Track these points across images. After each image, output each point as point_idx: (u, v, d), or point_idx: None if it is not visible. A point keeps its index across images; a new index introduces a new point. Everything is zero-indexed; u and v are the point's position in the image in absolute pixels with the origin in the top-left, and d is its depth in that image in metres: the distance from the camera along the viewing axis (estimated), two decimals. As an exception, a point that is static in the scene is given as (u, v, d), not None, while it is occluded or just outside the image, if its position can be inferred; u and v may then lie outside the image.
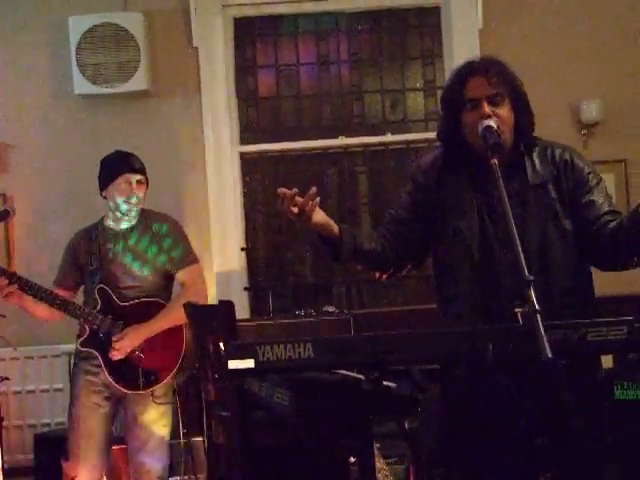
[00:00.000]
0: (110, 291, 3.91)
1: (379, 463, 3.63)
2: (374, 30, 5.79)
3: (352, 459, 3.02)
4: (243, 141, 5.71)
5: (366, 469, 2.69)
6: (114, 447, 4.19)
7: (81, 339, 3.90)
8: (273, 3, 5.67)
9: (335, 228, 2.59)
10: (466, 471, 2.63)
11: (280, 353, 2.15)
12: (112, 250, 3.96)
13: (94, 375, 3.89)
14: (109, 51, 5.30)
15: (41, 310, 3.95)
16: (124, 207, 3.91)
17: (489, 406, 2.52)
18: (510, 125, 2.64)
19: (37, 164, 5.48)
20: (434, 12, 5.72)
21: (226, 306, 3.36)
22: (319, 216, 2.52)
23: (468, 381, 2.50)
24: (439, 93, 5.23)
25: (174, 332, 3.91)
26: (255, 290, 5.66)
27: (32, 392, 5.32)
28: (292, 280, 5.72)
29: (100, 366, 3.86)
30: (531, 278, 2.17)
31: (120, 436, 4.20)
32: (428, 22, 5.75)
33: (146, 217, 4.01)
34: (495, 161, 2.45)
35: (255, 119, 5.76)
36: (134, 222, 3.98)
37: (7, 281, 3.79)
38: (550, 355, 2.02)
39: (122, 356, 3.83)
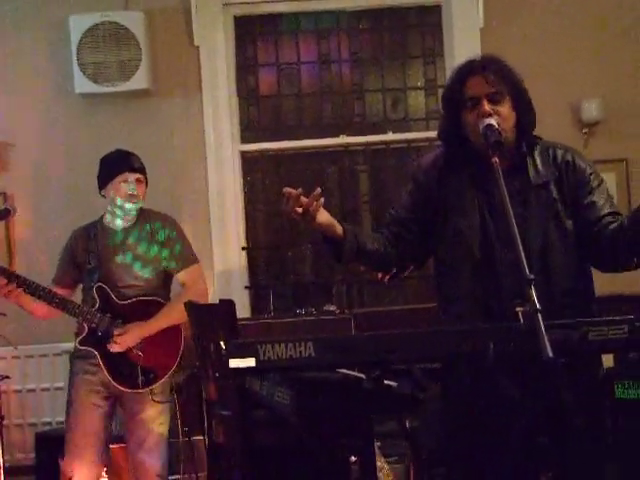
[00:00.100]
0: (109, 290, 3.91)
1: (380, 462, 3.63)
2: (375, 29, 5.78)
3: (353, 458, 3.02)
4: (244, 140, 5.70)
5: (367, 468, 2.70)
6: (115, 445, 4.20)
7: (79, 338, 3.90)
8: (274, 2, 5.66)
9: (339, 228, 2.59)
10: (467, 470, 2.63)
11: (281, 352, 2.15)
12: (111, 249, 3.96)
13: (92, 374, 3.89)
14: (110, 50, 5.29)
15: (39, 308, 3.96)
16: (123, 206, 3.91)
17: (490, 405, 2.52)
18: (511, 123, 2.64)
19: (38, 163, 5.48)
20: (435, 11, 5.71)
21: (227, 305, 3.37)
22: (323, 216, 2.52)
23: (469, 380, 2.50)
24: (440, 92, 5.22)
25: (173, 331, 3.92)
26: (256, 289, 5.66)
27: (33, 391, 5.32)
28: (293, 279, 5.72)
29: (98, 365, 3.86)
30: (532, 277, 2.17)
31: (120, 435, 4.20)
32: (429, 21, 5.74)
33: (145, 216, 4.01)
34: (496, 159, 2.45)
35: (256, 118, 5.76)
36: (133, 221, 3.98)
37: (6, 280, 3.79)
38: (551, 354, 2.02)
39: (120, 349, 3.83)
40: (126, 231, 3.97)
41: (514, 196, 2.51)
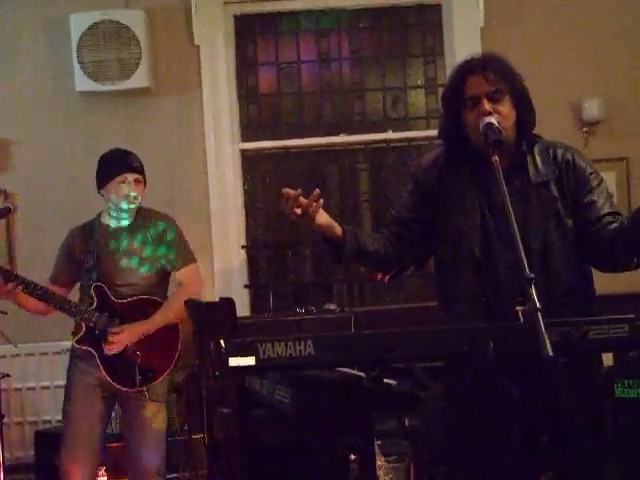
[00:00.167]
0: (106, 289, 3.90)
1: (380, 461, 3.63)
2: (375, 27, 5.78)
3: (353, 457, 3.02)
4: (244, 138, 5.71)
5: (367, 467, 2.70)
6: (115, 444, 4.20)
7: (77, 337, 3.89)
8: (274, 0, 5.66)
9: (338, 229, 2.58)
10: (468, 469, 2.63)
11: (281, 350, 2.15)
12: (108, 248, 3.95)
13: (90, 373, 3.88)
14: (110, 48, 5.29)
15: (37, 306, 3.94)
16: (122, 206, 3.91)
17: (490, 405, 2.52)
18: (511, 121, 2.63)
19: (38, 161, 5.48)
20: (436, 10, 5.71)
21: (227, 303, 3.36)
22: (322, 217, 2.52)
23: (470, 380, 2.50)
24: (440, 91, 5.22)
25: (170, 330, 3.92)
26: (256, 288, 5.66)
27: (33, 389, 5.33)
28: (293, 278, 5.72)
29: (96, 364, 3.85)
30: (532, 276, 2.17)
31: (119, 433, 4.20)
32: (429, 20, 5.74)
33: (143, 216, 4.00)
34: (496, 158, 2.45)
35: (256, 116, 5.76)
36: (131, 220, 3.98)
37: (3, 279, 3.78)
38: (551, 353, 2.02)
39: (117, 350, 3.82)
40: (124, 230, 3.96)
41: (514, 195, 2.51)
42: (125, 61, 5.29)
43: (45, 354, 5.30)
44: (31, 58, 5.49)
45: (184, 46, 5.50)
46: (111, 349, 3.82)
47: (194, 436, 4.44)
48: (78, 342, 3.89)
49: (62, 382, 4.46)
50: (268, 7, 5.70)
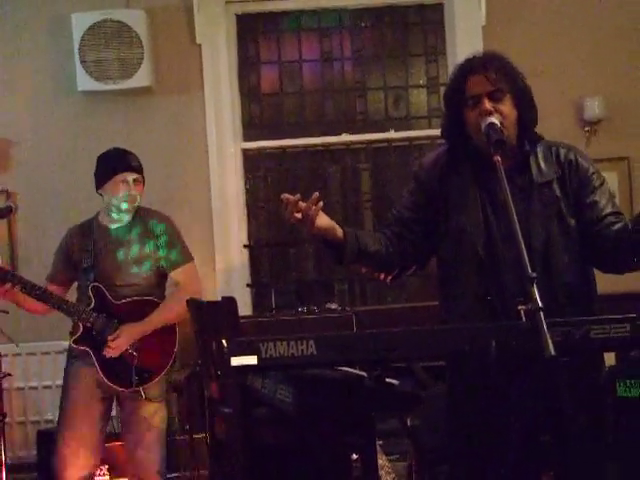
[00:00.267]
0: (104, 289, 3.89)
1: (381, 460, 3.64)
2: (377, 27, 5.78)
3: (354, 456, 3.02)
4: (246, 137, 5.71)
5: (368, 466, 2.70)
6: (115, 443, 4.19)
7: (74, 337, 3.88)
8: (276, -1, 5.68)
9: (339, 231, 2.58)
10: (469, 469, 2.63)
11: (283, 350, 2.15)
12: (107, 248, 3.94)
13: (87, 374, 3.87)
14: (112, 48, 5.29)
15: (35, 305, 3.93)
16: (120, 205, 3.90)
17: (492, 404, 2.52)
18: (513, 120, 2.63)
19: (40, 161, 5.48)
20: (437, 9, 5.71)
21: (229, 303, 3.36)
22: (323, 220, 2.51)
23: (472, 379, 2.50)
24: (442, 90, 5.22)
25: (167, 330, 3.91)
26: (257, 287, 5.66)
27: (35, 388, 5.33)
28: (295, 277, 5.72)
29: (93, 364, 3.84)
30: (534, 275, 2.17)
31: (120, 432, 4.20)
32: (431, 19, 5.74)
33: (142, 215, 3.99)
34: (498, 158, 2.45)
35: (258, 115, 5.76)
36: (130, 220, 3.97)
37: (2, 280, 3.77)
38: (553, 352, 2.02)
39: (117, 354, 3.82)
40: (122, 230, 3.95)
41: (516, 194, 2.51)
42: (127, 60, 5.29)
43: (47, 353, 5.30)
44: (33, 58, 5.49)
45: (186, 45, 5.50)
46: (110, 353, 3.81)
47: (195, 435, 4.44)
48: (75, 342, 3.88)
49: (64, 381, 4.45)
50: (270, 6, 5.70)
